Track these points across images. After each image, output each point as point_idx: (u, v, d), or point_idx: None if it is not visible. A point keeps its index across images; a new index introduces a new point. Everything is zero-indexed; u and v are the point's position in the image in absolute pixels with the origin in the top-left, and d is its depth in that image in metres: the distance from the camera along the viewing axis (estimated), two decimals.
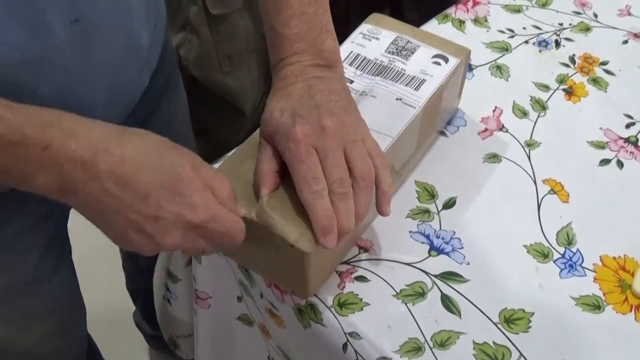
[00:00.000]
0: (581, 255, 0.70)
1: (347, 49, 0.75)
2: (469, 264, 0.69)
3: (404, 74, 0.72)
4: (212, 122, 1.11)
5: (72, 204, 0.54)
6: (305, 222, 0.58)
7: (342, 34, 0.77)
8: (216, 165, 0.68)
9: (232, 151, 0.68)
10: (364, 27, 0.77)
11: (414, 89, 0.71)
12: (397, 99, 0.70)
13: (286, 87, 0.62)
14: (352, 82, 0.71)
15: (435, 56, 0.74)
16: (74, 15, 0.58)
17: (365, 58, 0.74)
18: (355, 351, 0.63)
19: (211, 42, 0.95)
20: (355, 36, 0.76)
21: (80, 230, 0.90)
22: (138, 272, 1.21)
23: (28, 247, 0.77)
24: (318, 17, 0.63)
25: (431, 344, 0.63)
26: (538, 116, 0.83)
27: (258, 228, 0.59)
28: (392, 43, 0.75)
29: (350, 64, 0.73)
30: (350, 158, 0.59)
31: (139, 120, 0.78)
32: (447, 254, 0.69)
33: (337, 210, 0.57)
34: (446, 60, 0.74)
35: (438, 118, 0.77)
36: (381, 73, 0.72)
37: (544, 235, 0.71)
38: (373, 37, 0.75)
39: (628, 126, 0.82)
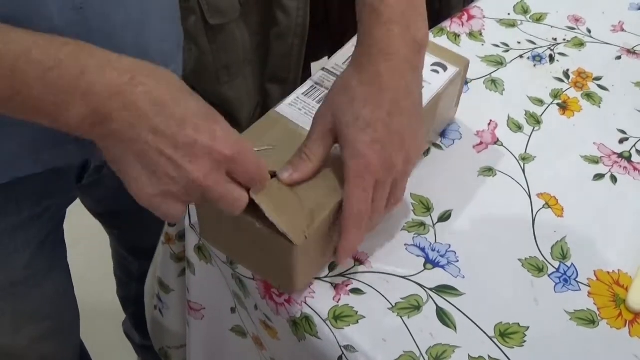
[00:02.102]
0: (576, 269, 0.70)
1: (347, 53, 0.75)
2: (464, 277, 0.69)
3: None
4: None
5: (101, 138, 0.51)
6: (297, 217, 0.59)
7: (339, 43, 0.77)
8: None
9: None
10: None
11: None
12: None
13: (375, 82, 0.60)
14: None
15: (434, 64, 0.75)
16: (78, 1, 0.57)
17: None
18: None
19: (209, 52, 0.95)
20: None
21: (72, 238, 0.90)
22: (129, 280, 1.21)
23: (19, 246, 0.76)
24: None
25: (426, 358, 0.63)
26: (533, 130, 0.83)
27: (245, 221, 0.59)
28: None
29: None
30: (393, 190, 0.63)
31: None
32: (442, 267, 0.69)
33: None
34: (445, 68, 0.74)
35: (434, 126, 0.77)
36: None
37: (539, 250, 0.71)
38: None
39: (621, 141, 0.83)
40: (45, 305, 0.86)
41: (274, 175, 0.61)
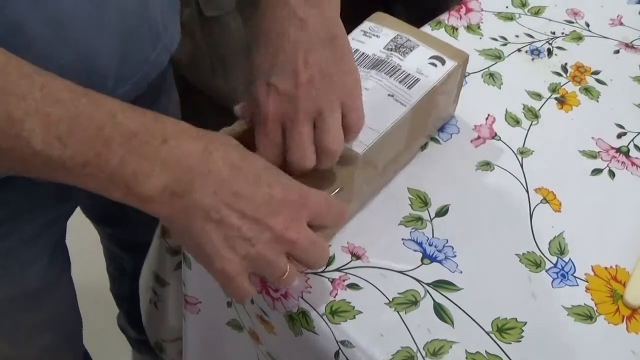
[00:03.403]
0: (573, 265, 0.70)
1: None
2: (461, 272, 0.68)
3: (399, 69, 0.72)
4: (202, 124, 1.10)
5: (179, 212, 0.49)
6: None
7: None
8: None
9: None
10: (366, 25, 0.77)
11: (407, 87, 0.71)
12: (389, 95, 0.70)
13: (267, 33, 0.59)
14: None
15: (432, 57, 0.74)
16: None
17: (363, 53, 0.74)
18: (347, 359, 0.63)
19: (204, 44, 0.94)
20: (356, 33, 0.76)
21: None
22: (123, 277, 1.20)
23: (34, 257, 0.75)
24: None
25: (424, 353, 0.63)
26: (530, 124, 0.83)
27: None
28: (391, 40, 0.75)
29: None
30: (316, 130, 0.59)
31: None
32: (440, 262, 0.69)
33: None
34: (443, 62, 0.74)
35: (430, 121, 0.77)
36: (377, 66, 0.72)
37: (537, 244, 0.71)
38: (373, 35, 0.75)
39: (619, 136, 0.83)
40: (56, 315, 0.86)
41: None
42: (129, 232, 1.06)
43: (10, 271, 0.74)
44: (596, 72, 0.90)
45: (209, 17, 0.92)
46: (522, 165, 0.78)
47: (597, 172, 0.79)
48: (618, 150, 0.81)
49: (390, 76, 0.71)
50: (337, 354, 0.63)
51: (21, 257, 0.74)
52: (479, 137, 0.81)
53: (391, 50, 0.74)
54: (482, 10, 0.98)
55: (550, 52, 0.92)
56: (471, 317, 0.65)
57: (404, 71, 0.72)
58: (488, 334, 0.64)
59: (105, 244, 1.18)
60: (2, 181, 0.65)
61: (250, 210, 0.50)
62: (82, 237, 1.01)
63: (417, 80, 0.71)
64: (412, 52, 0.74)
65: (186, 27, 0.93)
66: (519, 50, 0.92)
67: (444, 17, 0.96)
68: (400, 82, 0.71)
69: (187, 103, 0.96)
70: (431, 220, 0.72)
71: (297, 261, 0.55)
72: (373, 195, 0.74)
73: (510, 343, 0.64)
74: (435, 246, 0.70)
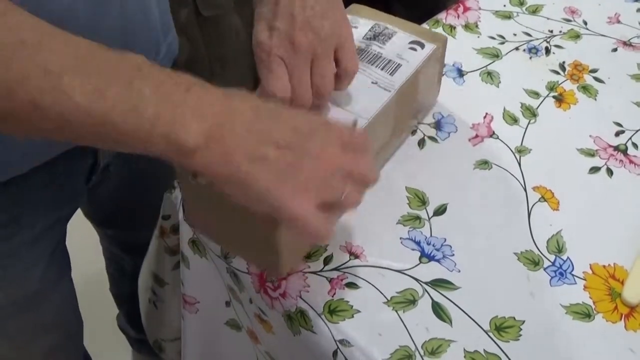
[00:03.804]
0: (571, 263, 0.70)
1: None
2: (459, 271, 0.68)
3: (380, 57, 0.73)
4: None
5: (215, 161, 0.48)
6: None
7: None
8: None
9: None
10: None
11: (389, 74, 0.71)
12: (372, 82, 0.70)
13: None
14: None
15: (411, 42, 0.75)
16: None
17: None
18: (346, 358, 0.63)
19: (202, 44, 0.94)
20: None
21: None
22: (122, 277, 1.20)
23: (34, 259, 0.76)
24: None
25: (422, 352, 0.63)
26: (528, 123, 0.83)
27: (230, 204, 0.57)
28: (369, 30, 0.76)
29: None
30: (312, 73, 0.63)
31: None
32: (438, 261, 0.69)
33: None
34: (422, 46, 0.75)
35: (415, 106, 0.77)
36: (358, 56, 0.72)
37: (535, 243, 0.71)
38: (352, 26, 0.75)
39: (617, 134, 0.83)
40: (57, 316, 0.86)
41: None
42: (129, 233, 1.06)
43: (11, 273, 0.75)
44: (594, 70, 0.90)
45: (207, 16, 0.92)
46: (520, 164, 0.78)
47: (595, 170, 0.79)
48: (616, 148, 0.81)
49: (372, 64, 0.72)
50: (335, 353, 0.63)
51: (22, 260, 0.74)
52: (476, 136, 0.81)
53: (370, 39, 0.75)
54: (479, 9, 0.98)
55: (548, 51, 0.92)
56: (469, 316, 0.65)
57: (384, 58, 0.73)
58: (486, 333, 0.64)
59: (105, 245, 1.18)
60: (4, 184, 0.65)
61: (283, 141, 0.50)
62: (82, 237, 1.01)
63: (399, 65, 0.72)
64: (390, 39, 0.75)
65: (184, 27, 0.93)
66: (516, 48, 0.92)
67: (441, 16, 0.96)
68: (382, 69, 0.72)
69: None
70: (429, 219, 0.73)
71: (351, 180, 0.53)
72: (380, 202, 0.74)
73: (509, 342, 0.64)
74: (433, 245, 0.70)
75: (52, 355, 0.89)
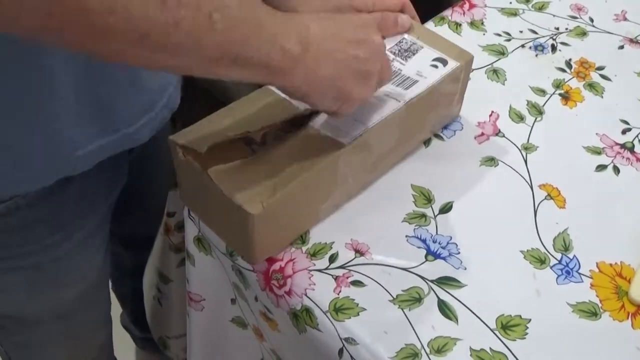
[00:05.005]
0: (578, 261, 0.70)
1: None
2: (465, 269, 0.68)
3: (399, 74, 0.72)
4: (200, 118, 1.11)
5: (311, 68, 0.56)
6: (260, 188, 0.61)
7: None
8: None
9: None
10: None
11: (404, 88, 0.71)
12: (385, 94, 0.70)
13: None
14: None
15: (435, 59, 0.74)
16: None
17: None
18: (351, 357, 0.63)
19: None
20: None
21: None
22: (123, 275, 1.20)
23: (95, 250, 0.79)
24: None
25: (428, 350, 0.62)
26: (535, 121, 0.83)
27: (211, 186, 0.61)
28: (396, 44, 0.75)
29: None
30: None
31: None
32: (443, 258, 0.69)
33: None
34: (445, 63, 0.74)
35: (429, 120, 0.76)
36: None
37: (541, 241, 0.71)
38: None
39: (624, 132, 0.82)
40: (104, 312, 0.91)
41: (250, 141, 0.64)
42: (127, 226, 1.06)
43: (79, 266, 0.77)
44: (600, 68, 0.90)
45: None
46: (526, 162, 0.78)
47: (601, 168, 0.78)
48: (623, 146, 0.81)
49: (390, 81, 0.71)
50: (341, 351, 0.63)
51: (89, 250, 0.77)
52: (482, 134, 0.81)
53: (394, 54, 0.74)
54: (485, 6, 0.98)
55: (554, 48, 0.92)
56: (475, 314, 0.65)
57: (403, 75, 0.72)
58: (492, 331, 0.64)
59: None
60: (63, 182, 0.66)
61: (353, 37, 0.60)
62: None
63: (415, 82, 0.72)
64: (415, 55, 0.74)
65: None
66: (522, 46, 0.92)
67: (447, 13, 0.96)
68: (398, 85, 0.71)
69: (190, 99, 0.96)
70: (435, 217, 0.72)
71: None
72: (362, 189, 0.74)
73: (515, 340, 0.63)
74: (439, 243, 0.70)
75: (103, 352, 0.92)
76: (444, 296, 0.66)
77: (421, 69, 0.73)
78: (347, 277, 0.67)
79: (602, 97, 0.86)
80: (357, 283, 0.67)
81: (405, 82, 0.71)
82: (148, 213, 0.87)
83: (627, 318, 0.66)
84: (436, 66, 0.73)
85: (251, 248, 0.64)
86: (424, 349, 0.63)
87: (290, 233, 0.69)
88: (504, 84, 0.87)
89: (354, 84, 0.60)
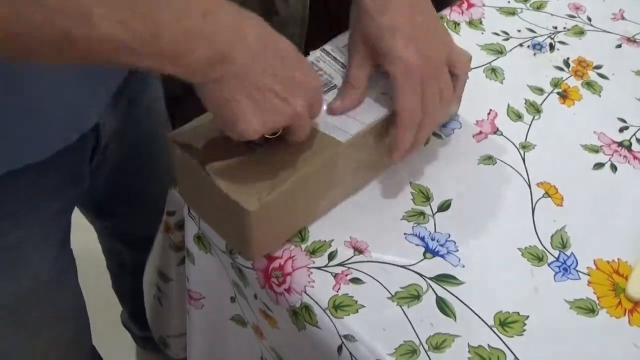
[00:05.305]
0: (575, 258, 0.70)
1: (347, 39, 0.74)
2: (464, 266, 0.69)
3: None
4: (194, 112, 1.11)
5: (217, 79, 0.53)
6: (258, 184, 0.61)
7: (339, 31, 0.77)
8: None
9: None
10: None
11: None
12: (382, 93, 0.70)
13: None
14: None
15: None
16: None
17: None
18: (350, 354, 0.63)
19: None
20: None
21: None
22: (123, 273, 1.21)
23: (46, 245, 0.77)
24: None
25: (426, 347, 0.63)
26: (532, 119, 0.83)
27: (209, 183, 0.61)
28: None
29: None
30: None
31: (123, 104, 0.79)
32: (442, 256, 0.69)
33: (416, 139, 0.68)
34: None
35: None
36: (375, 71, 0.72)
37: (539, 239, 0.71)
38: None
39: (621, 130, 0.83)
40: (64, 308, 0.87)
41: (251, 142, 0.63)
42: (127, 224, 1.06)
43: (24, 260, 0.75)
44: (598, 67, 0.90)
45: None
46: (524, 160, 0.79)
47: (599, 166, 0.79)
48: (620, 144, 0.81)
49: (386, 78, 0.71)
50: (340, 348, 0.64)
51: (35, 245, 0.75)
52: (481, 132, 0.81)
53: None
54: (483, 5, 0.98)
55: (552, 47, 0.92)
56: (474, 311, 0.65)
57: None
58: (490, 328, 0.64)
59: (104, 241, 1.18)
60: (18, 172, 0.66)
61: (276, 85, 0.56)
62: (84, 237, 1.02)
63: None
64: None
65: None
66: (520, 45, 0.92)
67: (445, 12, 0.96)
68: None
69: (192, 99, 0.97)
70: (433, 214, 0.73)
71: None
72: (360, 188, 0.74)
73: (513, 337, 0.64)
74: (437, 240, 0.70)
75: (59, 350, 0.90)
76: (443, 293, 0.66)
77: None
78: (346, 275, 0.67)
79: (599, 95, 0.87)
80: (356, 280, 0.67)
81: None
82: (146, 211, 0.87)
83: (624, 315, 0.66)
84: None
85: (249, 245, 0.65)
86: (423, 346, 0.63)
87: (288, 230, 0.69)
88: (502, 83, 0.87)
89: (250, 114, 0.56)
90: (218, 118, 0.57)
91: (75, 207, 0.92)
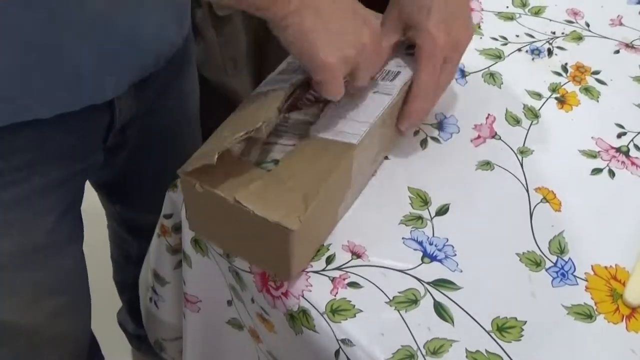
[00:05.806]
0: (573, 264, 0.70)
1: None
2: (462, 271, 0.68)
3: (380, 71, 0.73)
4: (216, 123, 1.11)
5: (301, 9, 0.58)
6: (290, 203, 0.60)
7: None
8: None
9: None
10: None
11: (390, 81, 0.72)
12: (373, 92, 0.71)
13: None
14: None
15: (407, 47, 0.75)
16: None
17: None
18: (348, 358, 0.63)
19: (216, 44, 0.95)
20: None
21: None
22: (127, 264, 1.20)
23: (44, 209, 0.76)
24: None
25: (424, 352, 0.63)
26: (531, 124, 0.83)
27: (239, 211, 0.60)
28: None
29: None
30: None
31: (150, 95, 0.79)
32: (440, 261, 0.69)
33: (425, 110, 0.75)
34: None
35: None
36: None
37: (537, 244, 0.71)
38: None
39: (619, 136, 0.83)
40: (63, 279, 0.86)
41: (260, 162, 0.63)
42: (136, 213, 1.05)
43: (20, 220, 0.75)
44: (596, 72, 0.90)
45: (221, 16, 0.93)
46: (522, 165, 0.79)
47: (597, 171, 0.79)
48: (618, 150, 0.81)
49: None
50: (337, 353, 0.63)
51: (32, 207, 0.75)
52: (479, 137, 0.81)
53: None
54: (482, 10, 0.98)
55: (550, 52, 0.93)
56: (471, 316, 0.65)
57: (384, 70, 0.73)
58: (488, 333, 0.64)
59: (112, 226, 1.18)
60: (15, 128, 0.65)
61: (349, 13, 0.62)
62: (84, 238, 1.01)
63: (398, 73, 0.73)
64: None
65: (199, 28, 0.94)
66: (519, 50, 0.93)
67: None
68: (383, 80, 0.72)
69: (201, 100, 0.97)
70: (431, 219, 0.73)
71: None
72: (363, 187, 0.74)
73: (510, 342, 0.64)
74: (435, 245, 0.70)
75: (57, 321, 0.88)
76: (440, 298, 0.66)
77: (399, 60, 0.74)
78: (344, 279, 0.67)
79: (597, 101, 0.87)
80: (353, 285, 0.67)
81: (389, 75, 0.73)
82: (159, 199, 0.87)
83: (622, 320, 0.66)
84: (412, 53, 0.74)
85: (289, 264, 0.63)
86: (420, 351, 0.63)
87: (318, 242, 0.69)
88: (500, 88, 0.87)
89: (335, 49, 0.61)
90: (299, 54, 0.61)
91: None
